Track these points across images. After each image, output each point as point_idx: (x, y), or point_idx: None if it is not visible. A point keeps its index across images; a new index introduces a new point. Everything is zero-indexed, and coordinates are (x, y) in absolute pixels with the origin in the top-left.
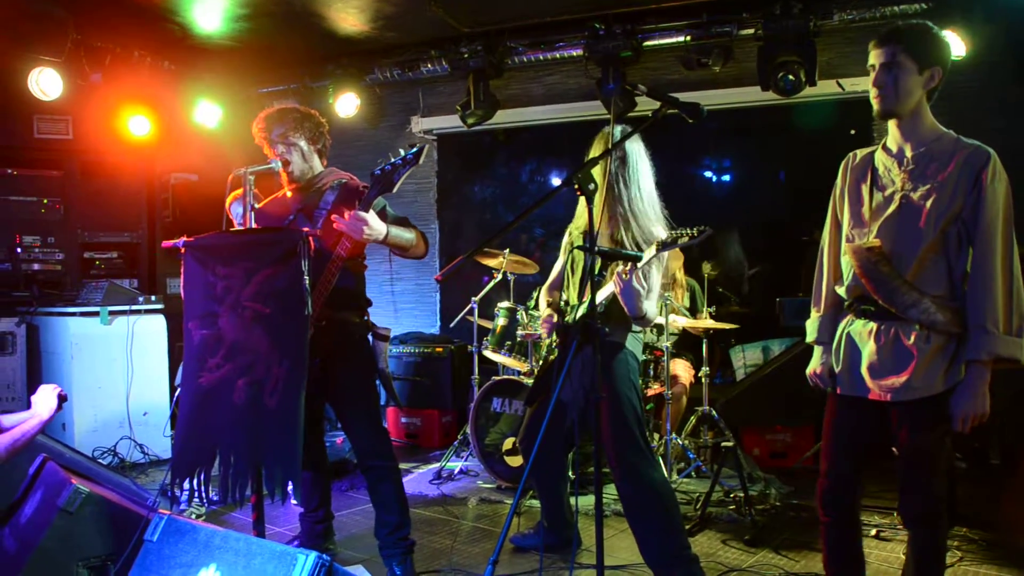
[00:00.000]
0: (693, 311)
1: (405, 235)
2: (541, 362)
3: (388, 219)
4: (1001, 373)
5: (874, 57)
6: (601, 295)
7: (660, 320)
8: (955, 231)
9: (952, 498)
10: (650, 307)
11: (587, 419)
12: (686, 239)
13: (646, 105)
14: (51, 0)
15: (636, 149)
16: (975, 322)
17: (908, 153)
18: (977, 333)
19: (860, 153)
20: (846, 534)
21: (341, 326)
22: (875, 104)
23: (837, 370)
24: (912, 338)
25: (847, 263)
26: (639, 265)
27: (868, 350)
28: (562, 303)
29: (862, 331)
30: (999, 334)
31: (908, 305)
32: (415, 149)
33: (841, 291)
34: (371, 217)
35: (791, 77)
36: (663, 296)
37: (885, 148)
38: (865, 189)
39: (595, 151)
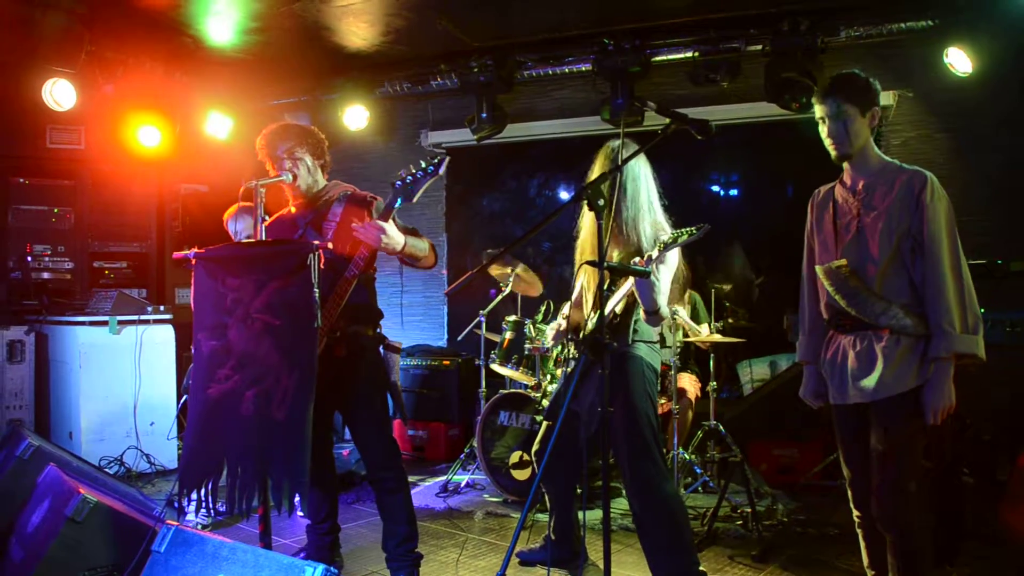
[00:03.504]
0: (695, 322)
1: (419, 244)
2: (559, 375)
3: (398, 228)
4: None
5: (820, 111)
6: (614, 300)
7: (667, 316)
8: (908, 246)
9: (961, 513)
10: (663, 302)
11: (606, 432)
12: (686, 236)
13: (655, 119)
14: (66, 12)
15: (635, 160)
16: (934, 323)
17: (859, 185)
18: (937, 333)
19: (823, 190)
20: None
21: (353, 338)
22: (832, 151)
23: (829, 383)
24: (884, 342)
25: (821, 285)
26: (655, 258)
27: (849, 359)
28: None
29: (843, 344)
30: (956, 333)
31: (879, 313)
32: (436, 161)
33: (822, 311)
34: (389, 226)
35: (804, 99)
36: (672, 308)
37: (841, 182)
38: (829, 220)
39: (598, 166)
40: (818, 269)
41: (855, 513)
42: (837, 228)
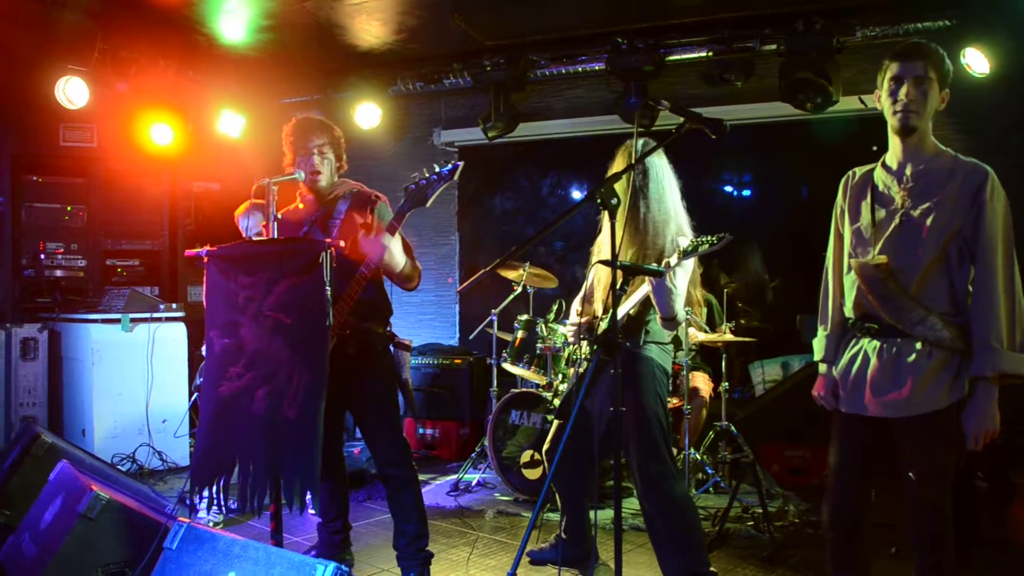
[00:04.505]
0: (711, 325)
1: (411, 270)
2: (571, 374)
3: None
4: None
5: (898, 70)
6: (630, 303)
7: (683, 321)
8: (956, 248)
9: (974, 518)
10: (679, 308)
11: (617, 432)
12: (707, 246)
13: (669, 119)
14: (79, 10)
15: (658, 163)
16: (979, 338)
17: (908, 171)
18: (982, 350)
19: (859, 171)
20: (853, 552)
21: (364, 335)
22: (898, 119)
23: (842, 388)
24: (914, 355)
25: (851, 280)
26: (673, 265)
27: (871, 368)
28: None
29: (867, 349)
30: (1003, 350)
31: (915, 322)
32: (451, 165)
33: (846, 309)
34: (395, 245)
35: (819, 99)
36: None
37: (884, 165)
38: (866, 206)
39: (618, 165)
40: (853, 263)
41: (828, 530)
42: (875, 218)
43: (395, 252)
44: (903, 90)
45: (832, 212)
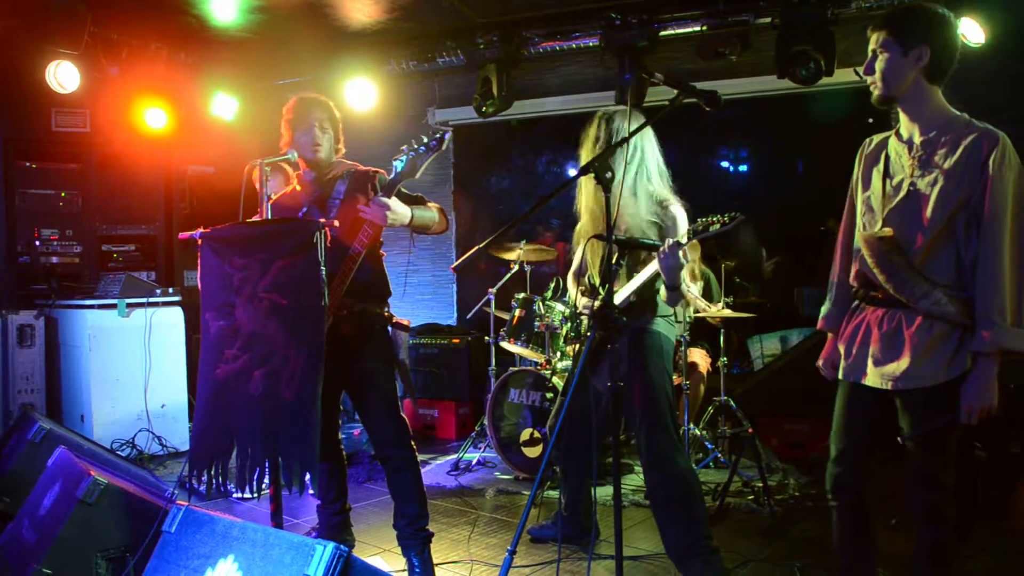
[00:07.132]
0: (708, 299)
1: (427, 214)
2: (570, 352)
3: (402, 198)
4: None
5: (869, 44)
6: (637, 281)
7: (687, 294)
8: (963, 218)
9: (973, 489)
10: (685, 276)
11: (617, 408)
12: (718, 226)
13: (664, 93)
14: None
15: (643, 134)
16: (983, 313)
17: (917, 139)
18: (985, 324)
19: (876, 139)
20: (856, 520)
21: (362, 316)
22: (871, 92)
23: (843, 356)
24: (915, 327)
25: (859, 251)
26: (684, 244)
27: (873, 338)
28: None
29: (869, 318)
30: (1007, 326)
31: (919, 296)
32: (438, 136)
33: (851, 278)
34: (393, 202)
35: (811, 66)
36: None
37: (898, 134)
38: (877, 176)
39: (591, 134)
40: (859, 235)
41: (832, 497)
42: (885, 188)
43: (397, 209)
44: (867, 65)
45: (850, 181)
